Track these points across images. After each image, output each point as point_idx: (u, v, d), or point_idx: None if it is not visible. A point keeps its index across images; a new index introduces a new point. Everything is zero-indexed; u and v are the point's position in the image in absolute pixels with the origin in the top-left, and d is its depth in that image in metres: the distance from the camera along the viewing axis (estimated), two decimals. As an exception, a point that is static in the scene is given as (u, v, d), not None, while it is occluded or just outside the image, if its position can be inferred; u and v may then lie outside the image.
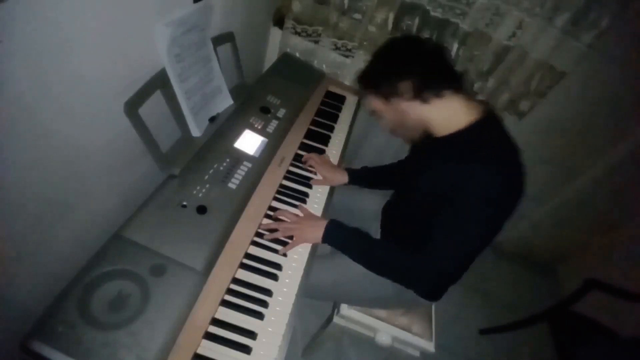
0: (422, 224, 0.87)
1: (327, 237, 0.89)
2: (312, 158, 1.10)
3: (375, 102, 0.87)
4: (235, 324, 0.72)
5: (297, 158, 1.11)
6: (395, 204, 1.09)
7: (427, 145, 0.88)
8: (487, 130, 0.78)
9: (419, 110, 0.81)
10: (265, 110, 1.12)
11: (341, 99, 1.40)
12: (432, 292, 0.94)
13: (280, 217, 0.92)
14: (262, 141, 1.02)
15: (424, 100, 0.79)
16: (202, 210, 0.80)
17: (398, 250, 0.85)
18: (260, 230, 0.89)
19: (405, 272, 0.83)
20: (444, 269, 0.78)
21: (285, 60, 1.45)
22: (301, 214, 0.95)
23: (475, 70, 1.43)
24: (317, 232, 0.89)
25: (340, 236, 0.90)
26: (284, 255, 0.87)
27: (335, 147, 1.22)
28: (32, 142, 0.58)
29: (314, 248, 0.91)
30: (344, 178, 1.12)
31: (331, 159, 1.16)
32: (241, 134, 1.00)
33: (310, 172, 1.10)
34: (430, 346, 1.06)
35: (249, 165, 0.94)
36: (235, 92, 1.07)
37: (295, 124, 1.17)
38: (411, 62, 0.79)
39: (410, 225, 0.95)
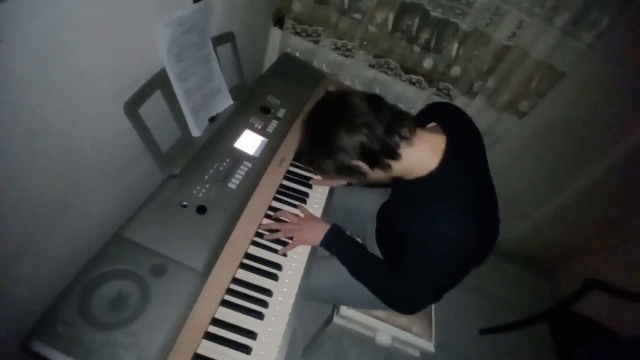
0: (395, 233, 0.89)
1: (326, 242, 0.90)
2: (319, 183, 1.10)
3: (334, 178, 0.85)
4: (235, 324, 0.72)
5: (297, 158, 1.10)
6: (388, 207, 1.09)
7: (398, 182, 0.83)
8: (446, 174, 0.73)
9: (380, 174, 0.76)
10: (265, 110, 1.12)
11: (341, 99, 1.40)
12: (406, 312, 0.97)
13: (281, 218, 0.92)
14: (262, 141, 1.02)
15: (383, 169, 0.74)
16: (202, 210, 0.80)
17: (383, 270, 0.88)
18: (260, 230, 0.89)
19: (384, 295, 0.87)
20: (415, 297, 0.83)
21: (285, 60, 1.44)
22: (302, 215, 0.95)
23: (475, 70, 1.43)
24: (318, 235, 0.90)
25: (338, 244, 0.92)
26: (284, 255, 0.87)
27: (335, 147, 1.21)
28: (32, 142, 0.58)
29: (314, 248, 0.92)
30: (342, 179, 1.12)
31: None
32: (241, 134, 1.00)
33: (310, 172, 1.10)
34: (430, 346, 1.06)
35: (249, 165, 0.94)
36: (235, 92, 1.07)
37: (295, 124, 1.17)
38: (350, 137, 0.69)
39: (390, 230, 0.96)
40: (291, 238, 0.89)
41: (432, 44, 1.43)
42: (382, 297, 0.88)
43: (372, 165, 0.72)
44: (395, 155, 0.72)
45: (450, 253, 0.71)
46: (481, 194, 0.76)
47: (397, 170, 0.75)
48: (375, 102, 0.72)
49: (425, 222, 0.71)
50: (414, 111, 1.61)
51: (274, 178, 1.00)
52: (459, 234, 0.69)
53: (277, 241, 0.89)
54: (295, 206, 0.98)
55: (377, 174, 0.76)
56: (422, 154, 0.74)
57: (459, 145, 0.76)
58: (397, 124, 0.71)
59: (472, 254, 0.77)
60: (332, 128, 0.70)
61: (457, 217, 0.69)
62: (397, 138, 0.71)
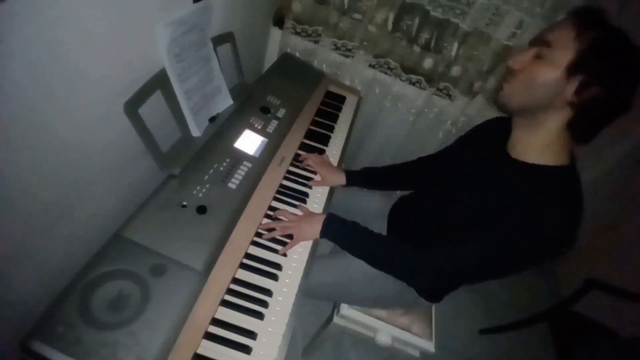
0: (439, 231, 0.85)
1: (325, 231, 0.89)
2: (310, 158, 1.09)
3: (558, 48, 0.64)
4: (235, 324, 0.72)
5: (297, 158, 1.10)
6: (412, 204, 1.05)
7: (491, 159, 0.78)
8: (567, 180, 0.70)
9: (554, 117, 0.67)
10: (265, 110, 1.12)
11: (341, 99, 1.40)
12: (430, 289, 0.93)
13: (280, 217, 0.92)
14: (262, 141, 1.02)
15: (579, 139, 0.68)
16: (202, 210, 0.80)
17: (398, 243, 0.84)
18: (260, 230, 0.89)
19: (404, 266, 0.82)
20: (444, 268, 0.77)
21: (285, 60, 1.45)
22: (301, 214, 0.95)
23: (475, 70, 1.43)
24: (315, 227, 0.89)
25: (338, 230, 0.89)
26: (284, 255, 0.87)
27: (335, 147, 1.22)
28: (32, 142, 0.58)
29: (314, 248, 0.91)
30: (341, 179, 1.11)
31: (331, 159, 1.16)
32: (241, 134, 1.00)
33: (310, 172, 1.10)
34: (430, 346, 1.06)
35: (249, 165, 0.94)
36: (235, 92, 1.07)
37: (295, 124, 1.17)
38: (631, 90, 0.61)
39: (426, 229, 0.91)
40: (291, 237, 0.89)
41: (432, 44, 1.43)
42: (401, 271, 0.82)
43: (588, 114, 0.64)
44: (590, 138, 0.67)
45: (529, 244, 0.67)
46: (579, 210, 0.69)
47: (545, 135, 0.69)
48: None
49: (527, 205, 0.66)
50: (414, 111, 1.62)
51: (274, 178, 1.00)
52: (550, 234, 0.65)
53: (277, 241, 0.89)
54: (295, 206, 0.98)
55: (552, 110, 0.67)
56: (565, 147, 0.70)
57: (577, 173, 0.72)
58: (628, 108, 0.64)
59: (541, 257, 0.71)
60: (633, 69, 0.62)
61: (556, 219, 0.65)
62: (600, 128, 0.66)
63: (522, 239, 0.67)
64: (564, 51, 0.63)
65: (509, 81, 0.71)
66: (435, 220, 0.88)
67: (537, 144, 0.71)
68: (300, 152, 1.13)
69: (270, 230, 0.89)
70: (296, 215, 0.93)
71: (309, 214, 0.95)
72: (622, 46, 0.62)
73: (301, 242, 0.90)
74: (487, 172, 0.78)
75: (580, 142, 0.69)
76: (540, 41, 0.68)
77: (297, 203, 0.99)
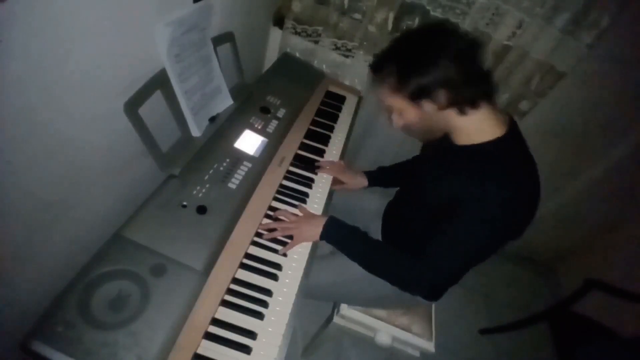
0: (422, 226, 0.87)
1: (325, 234, 0.89)
2: (328, 167, 1.10)
3: (394, 100, 0.76)
4: (235, 324, 0.72)
5: (297, 158, 1.10)
6: (397, 204, 1.08)
7: (441, 149, 0.83)
8: (509, 149, 0.75)
9: (448, 118, 0.75)
10: (265, 110, 1.12)
11: (341, 99, 1.40)
12: (427, 295, 0.94)
13: (280, 217, 0.92)
14: (262, 141, 1.02)
15: (460, 111, 0.73)
16: (202, 210, 0.80)
17: (396, 252, 0.85)
18: (260, 230, 0.89)
19: (401, 275, 0.83)
20: (439, 275, 0.79)
21: (285, 60, 1.45)
22: (301, 214, 0.95)
23: (475, 70, 1.43)
24: (316, 229, 0.89)
25: (338, 234, 0.90)
26: (284, 255, 0.87)
27: (335, 147, 1.21)
28: (31, 142, 0.58)
29: (314, 248, 0.91)
30: (363, 182, 1.15)
31: (331, 159, 1.16)
32: (241, 134, 1.00)
33: (310, 172, 1.10)
34: (430, 346, 1.06)
35: (249, 165, 0.94)
36: (235, 92, 1.07)
37: (295, 124, 1.17)
38: (450, 65, 0.68)
39: (411, 227, 0.94)
40: (291, 237, 0.89)
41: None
42: (397, 280, 0.84)
43: (452, 101, 0.71)
44: (475, 105, 0.72)
45: (494, 221, 0.71)
46: (532, 175, 0.75)
47: (458, 126, 0.76)
48: (480, 51, 0.73)
49: (477, 185, 0.71)
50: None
51: (274, 178, 1.00)
52: (516, 197, 0.70)
53: (278, 241, 0.89)
54: (295, 206, 0.98)
55: (437, 118, 0.75)
56: (487, 121, 0.75)
57: (520, 135, 0.78)
58: (488, 78, 0.74)
59: (512, 230, 0.75)
60: (439, 51, 0.69)
61: (509, 188, 0.70)
62: (482, 91, 0.73)
63: (483, 215, 0.71)
64: (396, 99, 0.76)
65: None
66: (415, 217, 0.92)
67: (467, 129, 0.77)
68: (300, 152, 1.13)
69: (270, 230, 0.89)
70: (297, 215, 0.93)
71: (310, 216, 0.95)
72: (409, 53, 0.72)
73: (295, 232, 0.89)
74: (441, 161, 0.85)
75: (474, 107, 0.74)
76: (384, 108, 0.82)
77: (297, 203, 0.99)
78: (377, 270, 0.87)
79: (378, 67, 0.77)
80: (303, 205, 0.98)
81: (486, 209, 0.71)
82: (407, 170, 1.16)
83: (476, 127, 0.75)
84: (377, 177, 1.17)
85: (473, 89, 0.71)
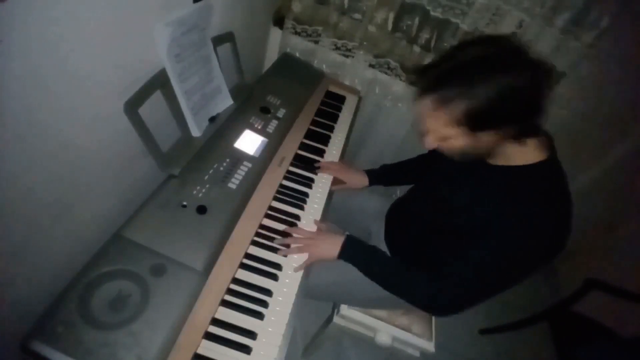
0: (438, 240, 0.86)
1: (344, 255, 0.88)
2: (328, 167, 1.10)
3: (445, 128, 0.65)
4: (235, 324, 0.72)
5: (297, 158, 1.10)
6: (408, 210, 1.04)
7: (472, 167, 0.77)
8: (550, 173, 0.71)
9: (497, 145, 0.68)
10: (265, 110, 1.12)
11: (341, 99, 1.40)
12: (443, 314, 0.92)
13: (295, 235, 0.90)
14: (262, 141, 1.02)
15: (520, 143, 0.67)
16: (202, 210, 0.80)
17: (414, 272, 0.83)
18: (260, 231, 0.89)
19: (418, 297, 0.83)
20: (458, 299, 0.78)
21: (285, 60, 1.45)
22: (315, 231, 0.93)
23: (475, 70, 1.43)
24: (333, 248, 0.88)
25: (357, 254, 0.89)
26: (284, 255, 0.87)
27: (335, 147, 1.21)
28: (31, 142, 0.58)
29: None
30: (364, 181, 1.14)
31: (331, 160, 1.16)
32: (241, 134, 1.00)
33: (311, 172, 1.10)
34: (430, 346, 1.06)
35: (249, 165, 0.94)
36: (235, 92, 1.07)
37: (295, 124, 1.17)
38: (527, 99, 0.60)
39: (423, 238, 0.92)
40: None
41: (432, 44, 1.43)
42: (415, 302, 0.83)
43: (518, 134, 0.64)
44: (537, 130, 0.66)
45: (533, 249, 0.67)
46: (567, 205, 0.70)
47: (502, 151, 0.70)
48: (548, 76, 0.62)
49: (513, 207, 0.67)
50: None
51: (274, 178, 1.00)
52: (545, 231, 0.66)
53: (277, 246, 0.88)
54: (295, 206, 0.98)
55: (491, 146, 0.68)
56: (531, 144, 0.70)
57: (557, 159, 0.73)
58: (543, 104, 0.62)
59: (541, 260, 0.71)
60: (517, 82, 0.59)
61: (545, 216, 0.66)
62: (542, 119, 0.64)
63: (520, 241, 0.67)
64: (449, 129, 0.65)
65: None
66: (428, 224, 0.90)
67: (511, 152, 0.71)
68: (300, 152, 1.13)
69: (286, 246, 0.88)
70: (313, 232, 0.92)
71: (327, 234, 0.93)
72: (470, 77, 0.60)
73: (312, 250, 0.89)
74: (472, 180, 0.79)
75: (529, 136, 0.68)
76: (420, 126, 0.70)
77: (297, 203, 0.99)
78: (393, 290, 0.86)
79: (438, 85, 0.63)
80: (322, 224, 0.97)
81: (519, 233, 0.66)
82: (411, 170, 1.15)
83: (520, 149, 0.69)
84: (379, 176, 1.16)
85: (538, 119, 0.63)
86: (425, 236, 0.91)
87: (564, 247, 0.69)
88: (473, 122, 0.62)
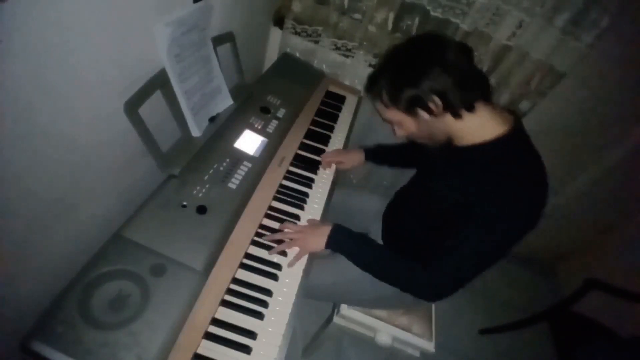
0: (426, 228, 0.87)
1: (331, 243, 0.88)
2: (327, 155, 1.13)
3: (392, 114, 0.79)
4: (235, 324, 0.72)
5: (297, 158, 1.11)
6: (399, 205, 1.07)
7: (445, 153, 0.82)
8: (514, 146, 0.74)
9: (446, 123, 0.75)
10: (265, 110, 1.12)
11: (341, 99, 1.40)
12: (435, 299, 0.92)
13: (285, 230, 0.91)
14: (262, 141, 1.02)
15: (455, 115, 0.73)
16: (202, 210, 0.80)
17: (403, 259, 0.84)
18: (260, 231, 0.89)
19: (409, 283, 0.83)
20: (450, 282, 0.78)
21: (285, 60, 1.45)
22: (306, 225, 0.94)
23: (475, 70, 1.43)
24: (321, 238, 0.88)
25: (344, 241, 0.89)
26: (284, 254, 0.87)
27: (335, 147, 1.21)
28: (32, 142, 0.58)
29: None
30: (360, 156, 1.17)
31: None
32: (241, 134, 1.00)
33: (311, 172, 1.10)
34: (430, 346, 1.06)
35: (249, 165, 0.94)
36: (235, 92, 1.07)
37: (295, 124, 1.17)
38: (440, 73, 0.70)
39: (414, 229, 0.94)
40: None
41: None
42: (407, 287, 0.84)
43: (445, 107, 0.72)
44: (471, 107, 0.73)
45: (506, 218, 0.70)
46: (539, 172, 0.73)
47: (457, 129, 0.76)
48: (470, 55, 0.75)
49: (486, 184, 0.71)
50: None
51: (274, 178, 1.00)
52: (521, 200, 0.69)
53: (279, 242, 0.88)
54: (295, 206, 0.98)
55: (436, 125, 0.76)
56: (487, 121, 0.75)
57: (523, 132, 0.77)
58: (481, 80, 0.76)
59: (523, 228, 0.72)
60: (428, 60, 0.71)
61: (518, 185, 0.69)
62: (476, 93, 0.73)
63: (502, 215, 0.70)
64: (392, 112, 0.79)
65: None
66: (421, 219, 0.91)
67: (468, 131, 0.76)
68: (300, 152, 1.13)
69: (277, 242, 0.88)
70: (301, 226, 0.92)
71: (315, 225, 0.93)
72: (398, 66, 0.75)
73: (300, 244, 0.89)
74: (445, 164, 0.85)
75: (469, 110, 0.74)
76: (388, 121, 0.84)
77: (297, 203, 0.99)
78: (383, 277, 0.87)
79: (370, 86, 0.80)
80: (313, 219, 0.97)
81: (497, 206, 0.70)
82: (402, 154, 1.18)
83: (476, 128, 0.75)
84: (373, 152, 1.20)
85: (465, 92, 0.71)
86: (420, 232, 0.91)
87: (544, 206, 0.72)
88: (398, 99, 0.75)
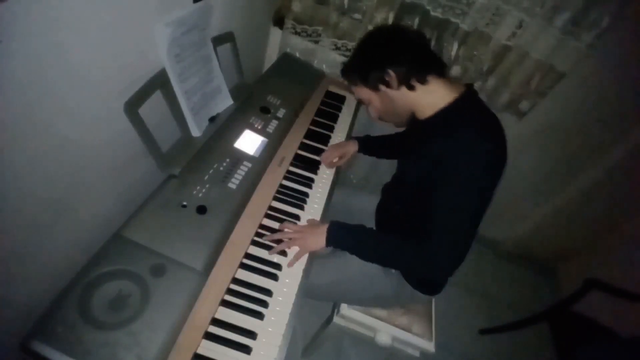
0: (413, 211, 0.89)
1: (331, 239, 0.88)
2: (327, 159, 1.14)
3: (362, 92, 0.91)
4: (235, 324, 0.72)
5: (297, 158, 1.11)
6: (386, 197, 1.09)
7: (413, 129, 0.93)
8: (467, 105, 0.82)
9: (405, 97, 0.84)
10: (265, 110, 1.12)
11: (341, 99, 1.40)
12: (442, 273, 0.90)
13: (285, 230, 0.90)
14: (262, 141, 1.02)
15: (410, 88, 0.82)
16: (202, 210, 0.80)
17: (405, 242, 0.84)
18: (260, 231, 0.89)
19: (414, 264, 0.83)
20: (450, 250, 0.78)
21: (285, 60, 1.45)
22: (305, 224, 0.94)
23: (475, 70, 1.43)
24: (320, 237, 0.88)
25: (343, 237, 0.89)
26: (284, 254, 0.87)
27: (335, 147, 1.21)
28: (32, 142, 0.58)
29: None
30: (355, 145, 1.19)
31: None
32: (241, 134, 1.00)
33: (311, 172, 1.10)
34: (430, 346, 1.06)
35: (249, 165, 0.94)
36: (235, 92, 1.07)
37: (295, 124, 1.17)
38: (396, 51, 0.82)
39: (403, 216, 0.96)
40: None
41: (432, 44, 1.43)
42: (414, 269, 0.88)
43: (401, 80, 0.82)
44: (423, 80, 0.82)
45: (486, 168, 0.74)
46: (495, 122, 0.80)
47: (415, 101, 0.85)
48: (424, 41, 0.88)
49: (450, 142, 0.76)
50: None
51: (274, 178, 1.00)
52: (487, 148, 0.74)
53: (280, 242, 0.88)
54: (295, 206, 0.98)
55: (396, 98, 0.85)
56: (439, 92, 0.83)
57: (474, 95, 0.84)
58: (435, 60, 0.85)
59: (496, 175, 0.77)
60: (386, 43, 0.85)
61: (481, 135, 0.74)
62: (431, 70, 0.83)
63: (472, 168, 0.74)
64: (362, 91, 0.91)
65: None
66: (402, 203, 0.96)
67: (425, 103, 0.85)
68: (300, 152, 1.13)
69: (276, 242, 0.88)
70: (301, 226, 0.92)
71: (313, 225, 0.94)
72: (364, 51, 0.90)
73: (300, 243, 0.88)
74: (413, 140, 0.94)
75: (421, 82, 0.83)
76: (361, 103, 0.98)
77: (297, 203, 0.99)
78: (386, 262, 0.89)
79: (345, 71, 0.94)
80: (312, 219, 0.97)
81: (467, 158, 0.74)
82: (387, 145, 1.20)
83: (430, 99, 0.83)
84: (363, 142, 1.21)
85: (417, 67, 0.81)
86: (408, 219, 0.92)
87: (505, 159, 0.78)
88: (364, 77, 0.87)
